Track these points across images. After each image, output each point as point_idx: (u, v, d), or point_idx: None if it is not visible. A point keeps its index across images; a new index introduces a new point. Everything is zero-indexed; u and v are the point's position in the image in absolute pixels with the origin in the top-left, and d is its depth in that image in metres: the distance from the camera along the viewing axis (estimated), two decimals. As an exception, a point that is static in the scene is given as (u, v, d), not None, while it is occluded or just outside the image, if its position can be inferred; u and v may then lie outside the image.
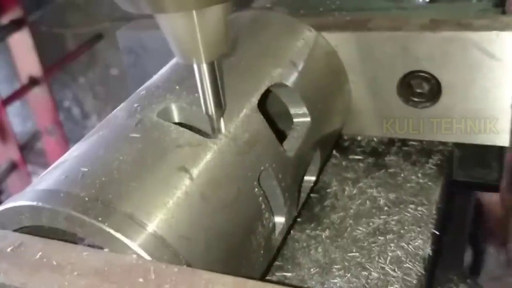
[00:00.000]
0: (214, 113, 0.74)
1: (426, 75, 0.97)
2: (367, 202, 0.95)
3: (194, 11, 0.64)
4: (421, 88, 0.99)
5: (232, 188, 0.73)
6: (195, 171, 0.70)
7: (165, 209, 0.66)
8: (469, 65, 0.95)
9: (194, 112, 0.78)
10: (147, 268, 0.60)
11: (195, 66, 0.71)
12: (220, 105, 0.74)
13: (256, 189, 0.76)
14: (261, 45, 0.93)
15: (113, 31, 3.65)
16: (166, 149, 0.71)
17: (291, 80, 0.89)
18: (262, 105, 0.84)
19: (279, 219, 0.82)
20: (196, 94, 0.79)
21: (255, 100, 0.82)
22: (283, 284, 0.82)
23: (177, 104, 0.79)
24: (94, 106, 4.08)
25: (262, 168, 0.77)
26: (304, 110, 0.89)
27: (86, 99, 4.08)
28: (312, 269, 0.86)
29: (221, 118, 0.75)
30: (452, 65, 0.95)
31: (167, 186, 0.67)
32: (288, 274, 0.86)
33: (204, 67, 0.70)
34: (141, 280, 0.59)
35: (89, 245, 0.71)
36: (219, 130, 0.75)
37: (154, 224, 0.64)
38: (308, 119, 0.89)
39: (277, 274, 0.86)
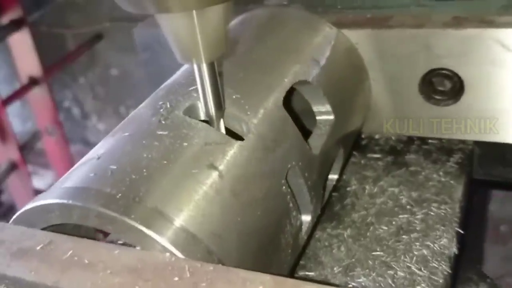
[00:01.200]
0: (214, 114, 0.73)
1: (448, 72, 0.96)
2: (389, 200, 0.94)
3: (194, 11, 0.64)
4: (442, 85, 0.98)
5: (261, 185, 0.72)
6: (224, 169, 0.69)
7: (196, 206, 0.65)
8: (492, 62, 0.94)
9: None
10: (181, 267, 0.59)
11: (195, 67, 0.71)
12: (220, 106, 0.74)
13: (284, 187, 0.75)
14: (283, 42, 0.92)
15: (113, 31, 3.65)
16: (194, 147, 0.70)
17: (314, 76, 0.88)
18: (287, 102, 0.83)
19: (305, 218, 0.81)
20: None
21: (280, 97, 0.81)
22: (323, 282, 0.81)
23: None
24: (94, 106, 4.06)
25: (289, 166, 0.77)
26: (327, 107, 0.88)
27: (86, 99, 4.06)
28: (335, 268, 0.85)
29: (221, 119, 0.75)
30: (475, 63, 0.95)
31: (197, 184, 0.67)
32: (311, 273, 0.85)
33: (204, 67, 0.70)
34: (176, 278, 0.57)
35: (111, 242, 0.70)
36: (219, 130, 0.75)
37: (186, 221, 0.63)
38: (332, 116, 0.88)
39: (300, 273, 0.86)
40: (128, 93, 3.85)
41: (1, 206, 3.61)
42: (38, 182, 3.81)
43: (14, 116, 3.82)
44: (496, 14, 0.95)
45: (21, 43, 3.36)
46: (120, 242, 0.76)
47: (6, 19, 3.29)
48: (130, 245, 0.65)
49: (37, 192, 3.45)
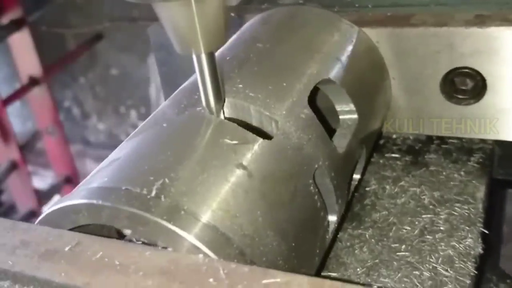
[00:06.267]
0: (214, 105, 0.72)
1: (470, 71, 0.96)
2: (411, 200, 0.93)
3: (192, 0, 0.63)
4: (464, 85, 0.97)
5: (289, 185, 0.71)
6: (252, 168, 0.68)
7: (227, 207, 0.64)
8: (515, 61, 0.93)
9: (245, 107, 0.76)
10: (215, 268, 0.57)
11: (194, 57, 0.70)
12: (220, 97, 0.73)
13: (312, 187, 0.74)
14: (305, 41, 0.91)
15: (113, 31, 3.65)
16: (222, 146, 0.69)
17: (336, 75, 0.87)
18: (311, 101, 0.82)
19: (332, 218, 0.80)
20: (247, 90, 0.77)
21: (305, 96, 0.80)
22: (360, 284, 0.80)
23: (227, 100, 0.76)
24: (94, 106, 4.05)
25: (316, 165, 0.76)
26: (351, 106, 0.87)
27: (86, 99, 4.05)
28: (358, 269, 0.84)
29: (221, 111, 0.74)
30: (498, 62, 0.94)
31: (227, 184, 0.66)
32: (333, 274, 0.84)
33: (203, 57, 0.69)
34: (211, 280, 0.56)
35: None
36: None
37: (217, 221, 0.62)
38: (355, 115, 0.87)
39: (322, 273, 0.85)
40: (128, 93, 3.85)
41: (1, 206, 3.59)
42: (38, 182, 3.80)
43: (14, 116, 3.82)
44: (519, 12, 0.94)
45: (21, 43, 3.36)
46: (139, 242, 0.75)
47: (6, 19, 3.29)
48: (152, 245, 0.64)
49: (37, 192, 3.46)
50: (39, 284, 0.60)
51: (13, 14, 3.29)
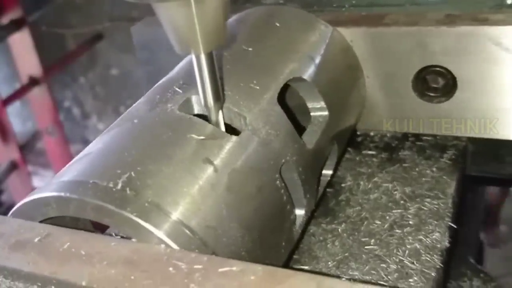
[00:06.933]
0: (212, 105, 0.74)
1: (441, 70, 0.98)
2: (383, 196, 0.95)
3: (192, 0, 0.64)
4: (436, 83, 0.99)
5: (256, 179, 0.74)
6: (219, 163, 0.71)
7: (192, 200, 0.66)
8: (485, 60, 0.95)
9: None
10: (176, 257, 0.60)
11: (193, 57, 0.71)
12: (218, 97, 0.74)
13: (278, 181, 0.76)
14: (279, 40, 0.93)
15: (113, 31, 3.65)
16: (190, 141, 0.72)
17: (309, 74, 0.89)
18: (281, 98, 0.85)
19: (299, 212, 0.82)
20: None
21: (274, 93, 0.83)
22: (314, 272, 0.82)
23: (197, 97, 0.79)
24: (94, 106, 4.07)
25: (283, 160, 0.78)
26: (322, 104, 0.89)
27: (86, 99, 4.07)
28: (329, 262, 0.86)
29: (220, 110, 0.75)
30: (468, 60, 0.96)
31: (193, 178, 0.68)
32: (306, 267, 0.87)
33: (203, 57, 0.70)
34: (171, 269, 0.59)
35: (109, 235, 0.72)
36: (218, 122, 0.75)
37: (181, 213, 0.64)
38: (326, 113, 0.89)
39: (295, 267, 0.87)
40: (128, 93, 3.86)
41: (1, 206, 3.62)
42: (38, 182, 3.81)
43: (14, 116, 3.84)
44: (489, 12, 0.96)
45: (21, 43, 3.38)
46: (118, 236, 0.78)
47: (6, 19, 3.31)
48: (128, 238, 0.67)
49: (37, 191, 3.47)
50: (9, 273, 0.62)
51: (13, 14, 3.31)
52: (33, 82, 3.43)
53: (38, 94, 3.48)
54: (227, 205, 0.69)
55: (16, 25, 3.32)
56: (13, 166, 3.39)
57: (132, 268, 0.59)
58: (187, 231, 0.63)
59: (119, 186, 0.64)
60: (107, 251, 0.62)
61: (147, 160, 0.68)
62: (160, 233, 0.62)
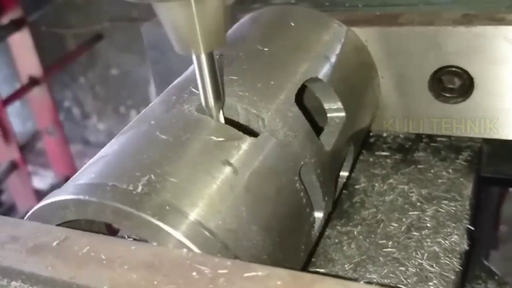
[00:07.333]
0: (213, 105, 0.73)
1: (458, 70, 0.97)
2: (399, 198, 0.94)
3: (192, 0, 0.63)
4: (452, 83, 0.98)
5: (275, 181, 0.72)
6: (238, 165, 0.69)
7: (211, 202, 0.65)
8: (502, 60, 0.94)
9: (232, 106, 0.77)
10: (199, 262, 0.58)
11: (193, 57, 0.70)
12: (219, 97, 0.73)
13: (297, 184, 0.75)
14: (293, 40, 0.92)
15: (113, 31, 3.65)
16: (209, 143, 0.70)
17: (325, 74, 0.88)
18: (298, 99, 0.83)
19: (318, 214, 0.81)
20: (235, 87, 0.79)
21: (292, 94, 0.82)
22: (340, 277, 0.81)
23: None
24: (94, 106, 4.06)
25: (302, 162, 0.77)
26: (338, 104, 0.88)
27: (86, 99, 4.06)
28: (346, 265, 0.85)
29: (221, 110, 0.74)
30: (485, 60, 0.95)
31: (212, 179, 0.67)
32: (321, 270, 0.85)
33: (203, 57, 0.70)
34: (194, 273, 0.57)
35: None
36: (220, 122, 0.74)
37: (201, 216, 0.63)
38: (343, 113, 0.88)
39: (310, 269, 0.86)
40: (128, 93, 3.86)
41: (1, 206, 3.61)
42: (38, 182, 3.81)
43: (14, 116, 3.83)
44: (506, 11, 0.95)
45: (21, 43, 3.37)
46: (130, 238, 0.77)
47: (6, 19, 3.30)
48: (142, 241, 0.65)
49: (37, 192, 3.47)
50: (27, 278, 0.61)
51: (13, 14, 3.30)
52: (33, 82, 3.42)
53: (38, 94, 3.47)
54: (247, 207, 0.68)
55: (16, 25, 3.31)
56: (13, 166, 3.38)
57: (153, 272, 0.58)
58: (206, 233, 0.62)
59: (139, 189, 0.63)
60: (128, 255, 0.60)
61: (165, 162, 0.67)
62: (180, 235, 0.61)
